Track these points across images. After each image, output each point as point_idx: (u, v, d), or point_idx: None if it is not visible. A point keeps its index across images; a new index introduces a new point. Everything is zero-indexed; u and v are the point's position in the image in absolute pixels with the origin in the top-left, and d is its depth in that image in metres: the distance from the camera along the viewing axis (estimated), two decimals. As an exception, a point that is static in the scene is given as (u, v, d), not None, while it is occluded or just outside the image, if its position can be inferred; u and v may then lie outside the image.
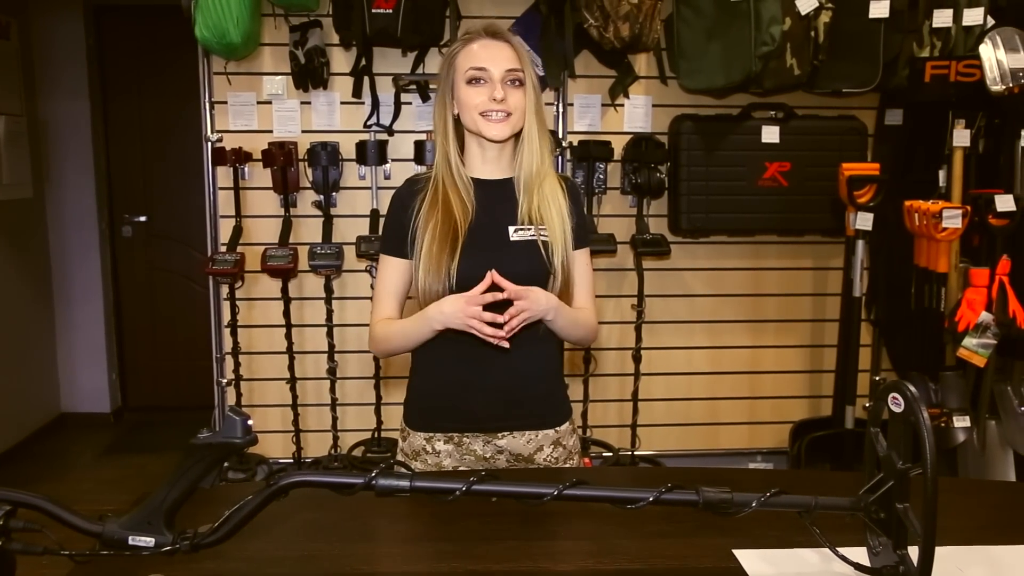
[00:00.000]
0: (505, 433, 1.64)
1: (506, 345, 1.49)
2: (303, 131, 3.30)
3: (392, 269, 1.65)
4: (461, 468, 1.64)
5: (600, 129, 3.38)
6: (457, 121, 1.62)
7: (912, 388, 1.00)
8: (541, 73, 3.24)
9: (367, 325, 1.71)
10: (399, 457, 1.70)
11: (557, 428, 1.68)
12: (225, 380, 3.36)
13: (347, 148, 3.28)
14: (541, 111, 1.61)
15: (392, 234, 1.65)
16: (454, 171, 1.61)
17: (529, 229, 1.60)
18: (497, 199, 1.62)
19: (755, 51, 2.95)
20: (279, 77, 3.26)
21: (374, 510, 1.34)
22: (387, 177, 3.34)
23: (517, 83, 1.57)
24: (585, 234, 1.69)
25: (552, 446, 1.67)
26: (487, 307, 1.51)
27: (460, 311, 1.48)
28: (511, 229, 1.60)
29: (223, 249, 3.25)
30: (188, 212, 4.67)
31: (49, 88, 4.60)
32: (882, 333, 3.42)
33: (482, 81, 1.56)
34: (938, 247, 2.90)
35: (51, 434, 4.63)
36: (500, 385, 1.62)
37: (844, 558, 1.09)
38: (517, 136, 1.62)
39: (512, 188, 1.63)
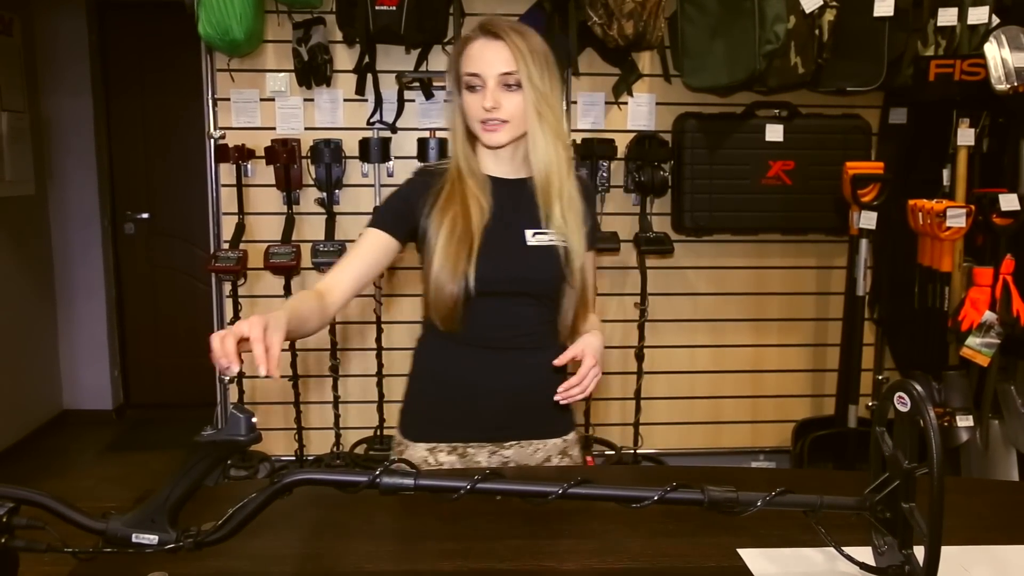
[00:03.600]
0: (512, 442, 1.60)
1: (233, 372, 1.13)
2: (306, 128, 3.30)
3: (368, 239, 1.52)
4: None
5: (604, 127, 3.38)
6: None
7: (919, 387, 0.99)
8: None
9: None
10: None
11: (564, 437, 1.65)
12: (227, 378, 3.34)
13: (350, 145, 3.28)
14: (548, 110, 1.49)
15: (391, 212, 1.55)
16: (472, 169, 1.55)
17: (547, 233, 1.54)
18: (514, 199, 1.56)
19: (759, 49, 2.95)
20: (282, 74, 3.26)
21: (378, 508, 1.34)
22: (390, 175, 3.34)
23: (513, 86, 1.47)
24: (594, 236, 1.65)
25: (560, 456, 1.64)
26: (493, 317, 1.50)
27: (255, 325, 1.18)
28: (528, 233, 1.54)
29: (226, 246, 3.25)
30: (191, 209, 4.67)
31: (52, 85, 4.60)
32: (885, 332, 3.42)
33: (477, 88, 1.48)
34: (942, 246, 2.90)
35: (53, 431, 4.64)
36: (507, 390, 1.57)
37: (849, 557, 1.08)
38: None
39: (530, 188, 1.56)
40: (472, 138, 1.56)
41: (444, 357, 1.58)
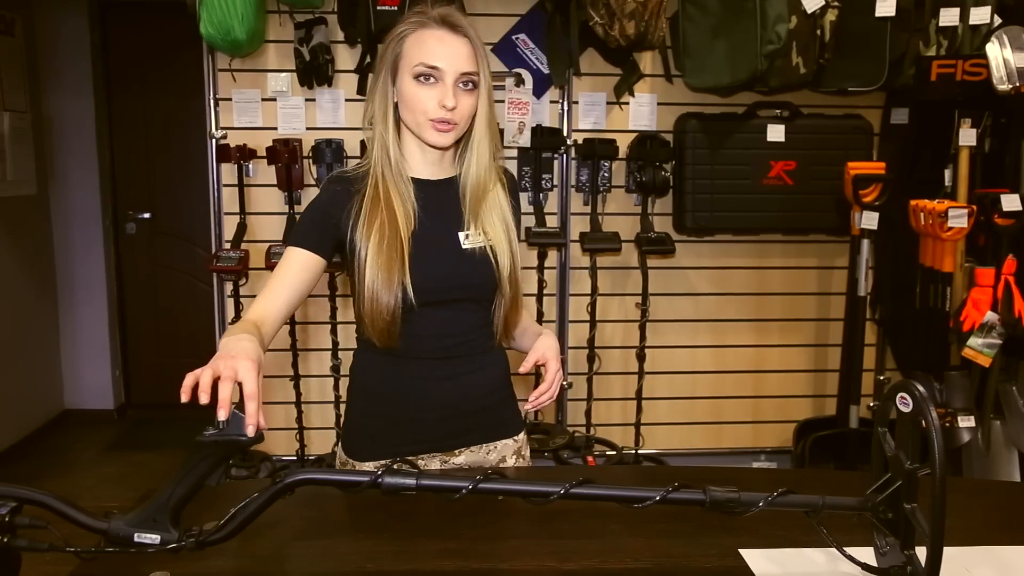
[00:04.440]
0: (462, 449, 1.56)
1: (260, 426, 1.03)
2: (308, 128, 3.30)
3: (292, 260, 1.40)
4: None
5: (605, 127, 3.38)
6: (397, 109, 1.45)
7: (921, 388, 0.99)
8: (543, 69, 3.24)
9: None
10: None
11: (515, 437, 1.62)
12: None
13: (352, 145, 3.28)
14: (492, 112, 1.45)
15: (313, 228, 1.44)
16: (395, 169, 1.45)
17: (479, 236, 1.48)
18: (440, 202, 1.48)
19: (761, 49, 2.95)
20: (284, 74, 3.26)
21: (379, 508, 1.34)
22: (391, 175, 3.33)
23: (470, 86, 1.40)
24: (517, 228, 1.58)
25: (514, 456, 1.61)
26: (433, 326, 1.46)
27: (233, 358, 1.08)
28: (461, 236, 1.48)
29: (227, 246, 3.25)
30: (192, 209, 4.68)
31: (53, 85, 4.61)
32: (887, 332, 3.42)
33: (432, 80, 1.38)
34: (943, 246, 2.89)
35: (54, 431, 4.64)
36: (453, 399, 1.52)
37: (851, 558, 1.08)
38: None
39: (456, 189, 1.50)
40: (398, 128, 1.47)
41: (384, 373, 1.51)
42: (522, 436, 1.64)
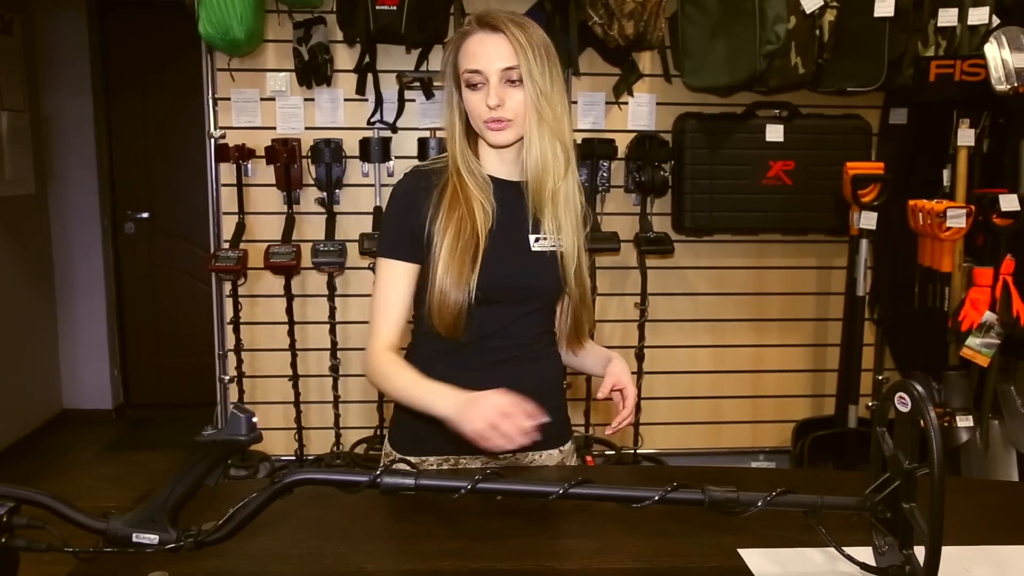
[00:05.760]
0: (507, 455, 1.52)
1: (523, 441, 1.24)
2: (306, 128, 3.30)
3: (398, 276, 1.46)
4: None
5: (604, 127, 3.38)
6: (468, 118, 1.48)
7: (919, 388, 0.99)
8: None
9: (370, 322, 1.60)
10: None
11: (561, 448, 1.59)
12: (227, 377, 3.35)
13: (351, 145, 3.28)
14: (547, 107, 1.41)
15: (397, 234, 1.46)
16: (472, 170, 1.46)
17: (548, 238, 1.47)
18: (517, 202, 1.48)
19: (760, 49, 2.95)
20: (283, 74, 3.26)
21: (378, 508, 1.34)
22: (390, 174, 3.34)
23: (516, 82, 1.39)
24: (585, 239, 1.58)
25: (556, 470, 1.59)
26: (492, 325, 1.46)
27: (488, 417, 1.23)
28: (532, 238, 1.47)
29: (226, 246, 3.25)
30: (191, 209, 4.68)
31: (52, 84, 4.60)
32: (885, 332, 3.42)
33: (479, 85, 1.40)
34: (942, 246, 2.89)
35: (53, 430, 4.64)
36: None
37: (850, 558, 1.08)
38: None
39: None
40: (472, 136, 1.49)
41: (438, 367, 1.48)
42: (568, 446, 1.62)
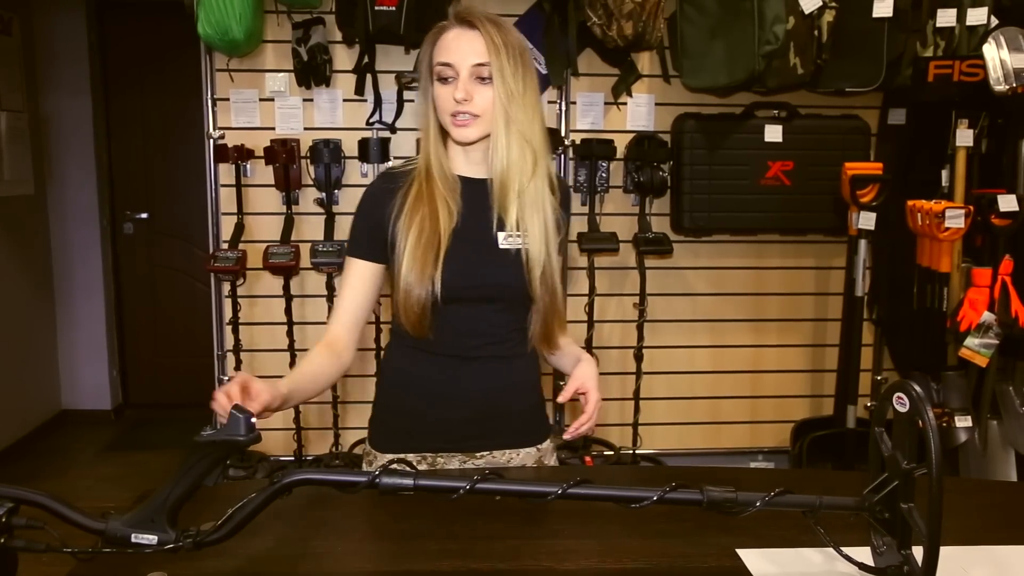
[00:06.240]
0: (484, 452, 1.55)
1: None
2: (305, 128, 3.29)
3: (353, 273, 1.49)
4: None
5: (603, 128, 3.38)
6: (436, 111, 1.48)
7: (918, 388, 0.99)
8: (540, 69, 3.24)
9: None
10: None
11: (539, 446, 1.60)
12: (227, 377, 3.35)
13: (349, 146, 3.28)
14: (517, 110, 1.41)
15: (363, 235, 1.49)
16: (441, 167, 1.47)
17: (518, 236, 1.46)
18: (484, 199, 1.48)
19: (758, 50, 2.95)
20: (282, 74, 3.26)
21: (377, 508, 1.34)
22: (389, 175, 3.33)
23: (487, 79, 1.40)
24: (564, 243, 1.58)
25: (536, 465, 1.60)
26: (462, 323, 1.47)
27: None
28: (500, 235, 1.47)
29: (225, 246, 3.24)
30: (190, 209, 4.67)
31: (51, 84, 4.60)
32: (884, 333, 3.42)
33: (449, 79, 1.41)
34: (940, 247, 2.90)
35: (52, 431, 4.64)
36: (477, 399, 1.51)
37: (848, 558, 1.09)
38: None
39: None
40: (444, 134, 1.49)
41: (412, 365, 1.53)
42: (546, 445, 1.62)
